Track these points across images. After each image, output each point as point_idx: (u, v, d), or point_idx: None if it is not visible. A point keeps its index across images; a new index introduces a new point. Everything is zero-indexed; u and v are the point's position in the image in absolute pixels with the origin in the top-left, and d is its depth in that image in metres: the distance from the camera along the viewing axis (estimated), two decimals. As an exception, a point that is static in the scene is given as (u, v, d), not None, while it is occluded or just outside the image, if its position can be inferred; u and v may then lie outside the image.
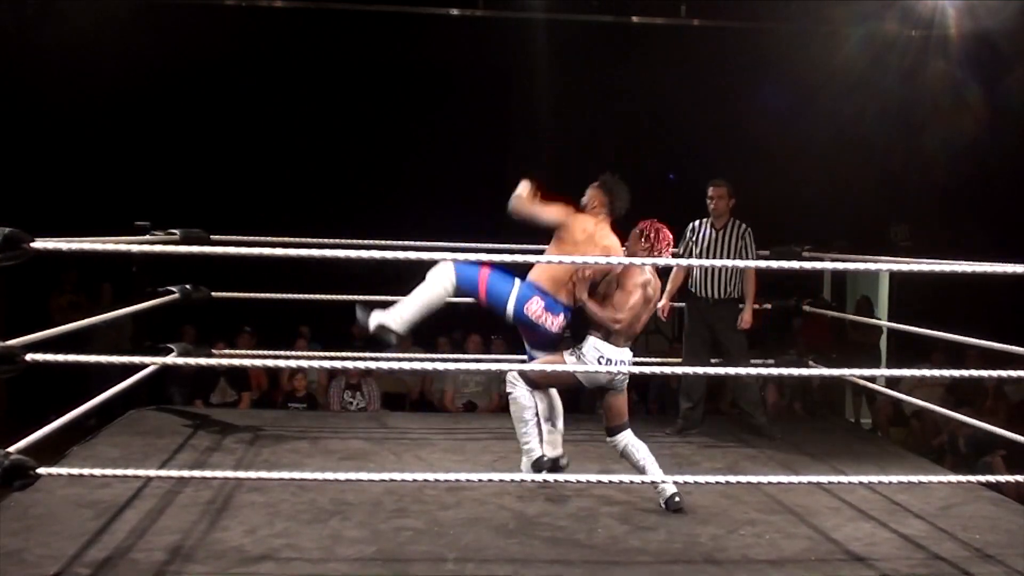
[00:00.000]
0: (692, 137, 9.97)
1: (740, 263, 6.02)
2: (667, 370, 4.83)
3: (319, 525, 4.07)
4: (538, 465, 4.57)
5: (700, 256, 6.04)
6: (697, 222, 6.16)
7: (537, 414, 4.61)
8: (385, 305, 4.61)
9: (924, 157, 9.93)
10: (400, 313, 4.55)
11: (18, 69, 8.86)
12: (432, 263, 4.67)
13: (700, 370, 4.99)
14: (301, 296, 6.51)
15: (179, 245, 5.61)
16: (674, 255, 6.06)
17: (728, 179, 6.16)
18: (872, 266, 4.73)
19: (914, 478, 4.38)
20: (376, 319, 4.55)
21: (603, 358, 4.42)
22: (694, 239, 6.12)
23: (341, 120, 10.34)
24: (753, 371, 5.10)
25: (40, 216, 4.61)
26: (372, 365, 5.02)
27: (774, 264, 4.13)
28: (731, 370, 4.75)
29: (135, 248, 4.74)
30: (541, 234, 4.85)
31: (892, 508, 4.52)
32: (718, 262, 6.12)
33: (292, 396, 8.22)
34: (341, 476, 4.13)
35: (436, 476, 4.22)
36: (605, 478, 4.45)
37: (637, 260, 4.39)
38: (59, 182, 9.56)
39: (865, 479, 4.67)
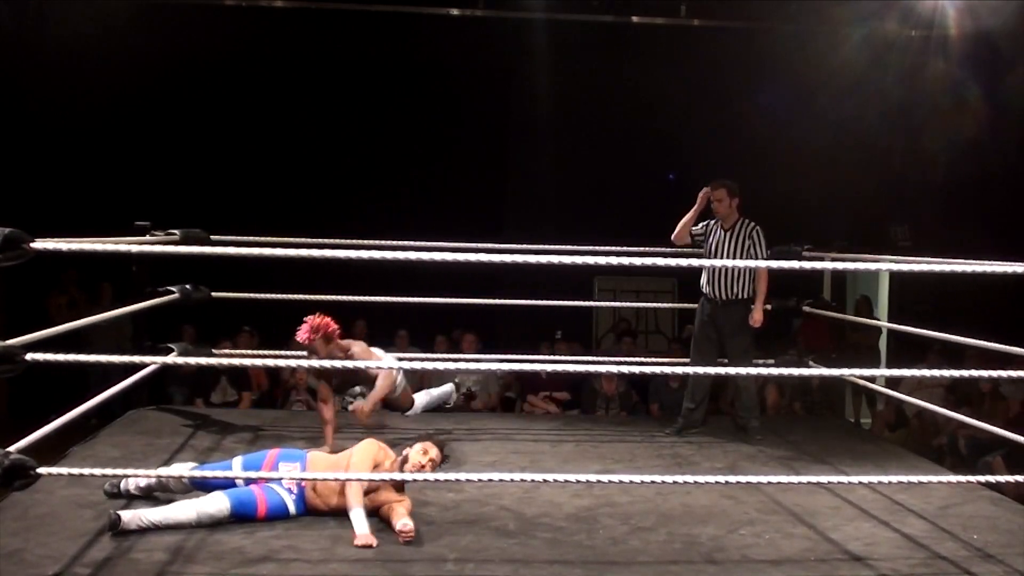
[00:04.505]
0: (692, 137, 9.95)
1: (740, 263, 6.01)
2: (667, 370, 4.84)
3: (319, 525, 4.07)
4: None
5: (710, 257, 6.04)
6: (711, 221, 6.17)
7: None
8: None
9: (924, 157, 9.93)
10: (144, 516, 3.96)
11: (18, 69, 8.87)
12: (432, 263, 4.63)
13: (700, 370, 4.99)
14: (301, 296, 6.51)
15: (179, 245, 5.62)
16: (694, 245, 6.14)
17: (728, 179, 6.15)
18: (872, 266, 4.74)
19: (914, 478, 4.38)
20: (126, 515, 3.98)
21: None
22: (706, 240, 6.15)
23: (341, 120, 10.35)
24: (753, 371, 5.09)
25: (40, 216, 4.61)
26: (372, 365, 5.02)
27: (774, 264, 4.13)
28: (731, 370, 4.75)
29: (135, 248, 4.74)
30: (543, 234, 4.84)
31: (892, 508, 4.52)
32: (718, 262, 6.10)
33: (295, 390, 8.20)
34: (341, 476, 4.13)
35: (436, 476, 4.23)
36: (605, 478, 4.45)
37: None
38: (59, 182, 9.57)
39: (865, 479, 4.67)
